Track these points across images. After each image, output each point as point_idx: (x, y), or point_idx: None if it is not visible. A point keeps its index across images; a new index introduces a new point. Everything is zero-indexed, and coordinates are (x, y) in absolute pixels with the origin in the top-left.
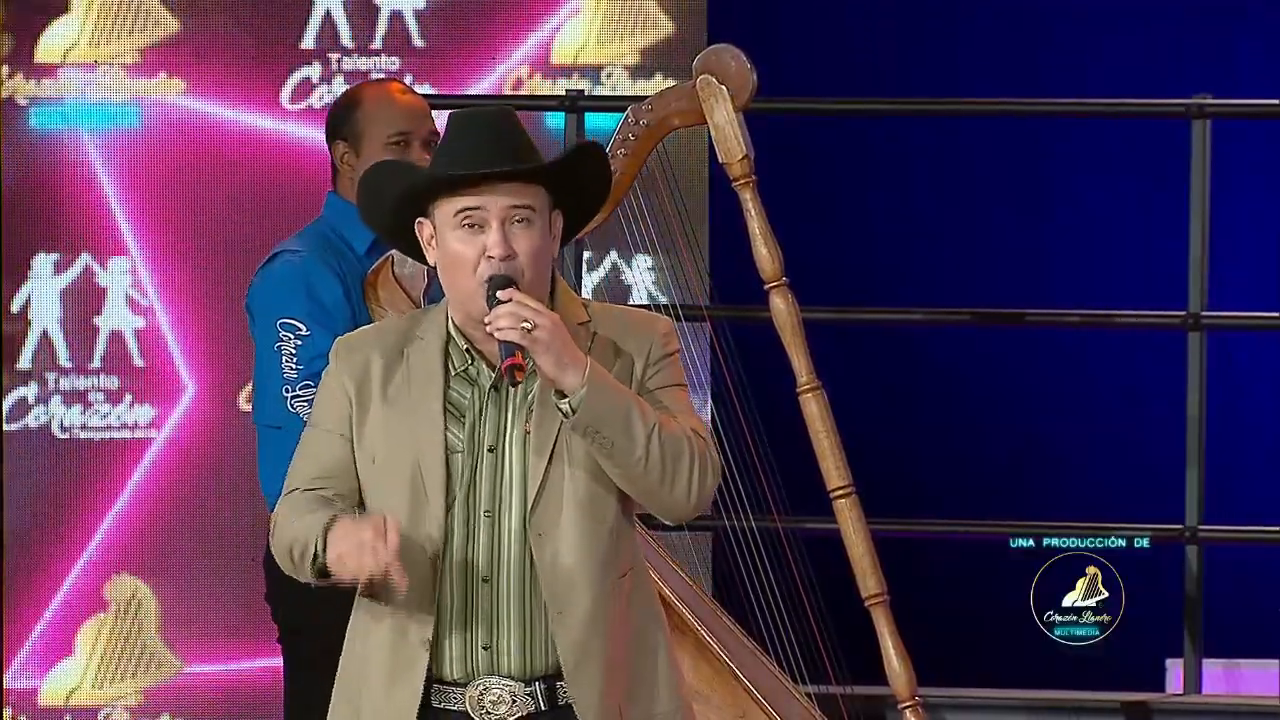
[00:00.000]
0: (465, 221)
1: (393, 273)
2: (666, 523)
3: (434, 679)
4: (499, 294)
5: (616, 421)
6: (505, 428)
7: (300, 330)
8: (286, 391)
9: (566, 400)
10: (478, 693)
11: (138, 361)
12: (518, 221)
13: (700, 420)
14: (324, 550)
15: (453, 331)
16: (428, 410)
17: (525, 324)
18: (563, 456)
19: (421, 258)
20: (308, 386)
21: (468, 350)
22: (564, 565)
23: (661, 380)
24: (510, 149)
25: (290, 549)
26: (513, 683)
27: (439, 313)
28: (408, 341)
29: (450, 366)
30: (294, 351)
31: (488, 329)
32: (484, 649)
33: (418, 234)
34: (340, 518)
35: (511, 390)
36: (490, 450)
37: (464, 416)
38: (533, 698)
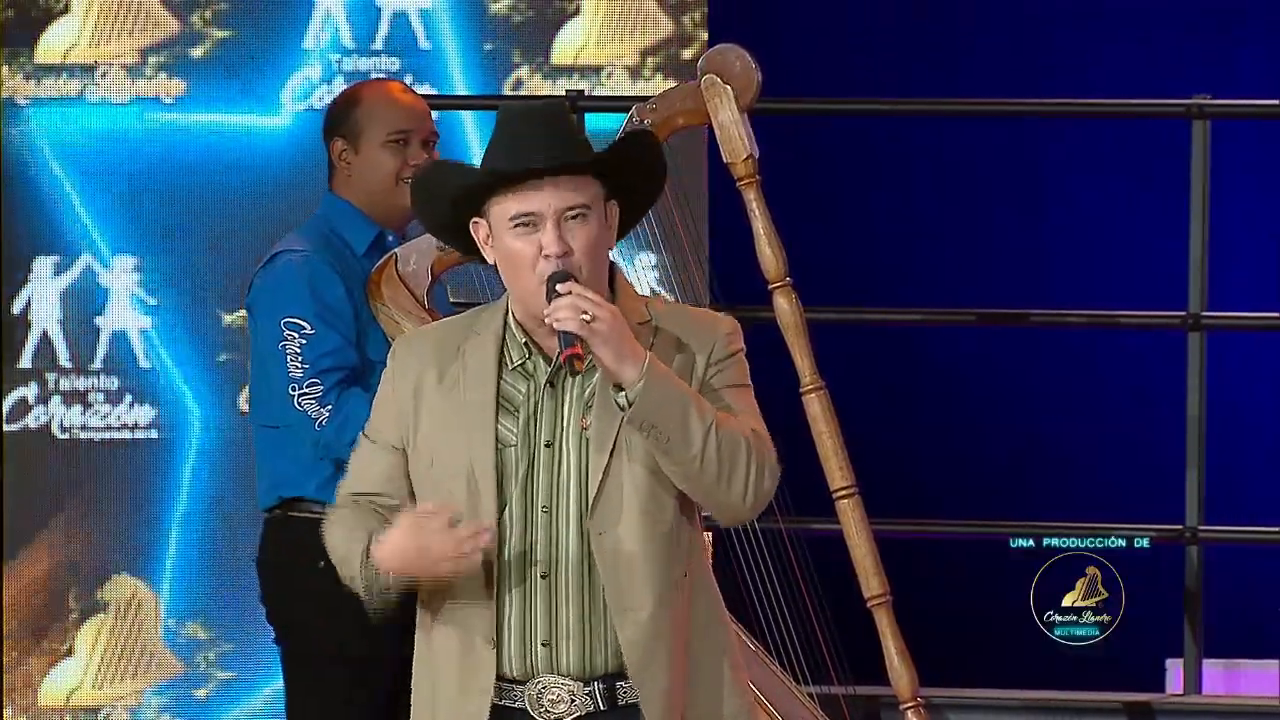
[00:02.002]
0: (520, 222)
1: (396, 271)
2: (722, 524)
3: (495, 676)
4: (558, 287)
5: (673, 417)
6: (562, 423)
7: (305, 329)
8: (293, 390)
9: (624, 393)
10: (537, 691)
11: (144, 363)
12: (573, 218)
13: (761, 422)
14: (373, 574)
15: (512, 325)
16: (479, 405)
17: (584, 315)
18: (623, 453)
19: (477, 252)
20: (315, 384)
21: (526, 344)
22: (626, 563)
23: (724, 380)
24: (562, 143)
25: (341, 572)
26: (572, 682)
27: (499, 307)
28: (465, 338)
29: (506, 360)
30: (299, 350)
31: (547, 321)
32: (543, 645)
33: (473, 234)
34: (377, 538)
35: (569, 384)
36: (547, 446)
37: (518, 411)
38: (591, 697)
